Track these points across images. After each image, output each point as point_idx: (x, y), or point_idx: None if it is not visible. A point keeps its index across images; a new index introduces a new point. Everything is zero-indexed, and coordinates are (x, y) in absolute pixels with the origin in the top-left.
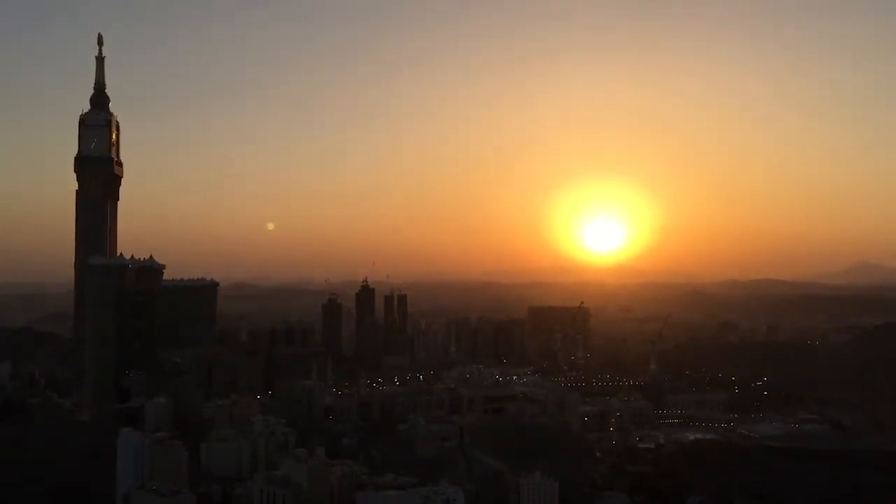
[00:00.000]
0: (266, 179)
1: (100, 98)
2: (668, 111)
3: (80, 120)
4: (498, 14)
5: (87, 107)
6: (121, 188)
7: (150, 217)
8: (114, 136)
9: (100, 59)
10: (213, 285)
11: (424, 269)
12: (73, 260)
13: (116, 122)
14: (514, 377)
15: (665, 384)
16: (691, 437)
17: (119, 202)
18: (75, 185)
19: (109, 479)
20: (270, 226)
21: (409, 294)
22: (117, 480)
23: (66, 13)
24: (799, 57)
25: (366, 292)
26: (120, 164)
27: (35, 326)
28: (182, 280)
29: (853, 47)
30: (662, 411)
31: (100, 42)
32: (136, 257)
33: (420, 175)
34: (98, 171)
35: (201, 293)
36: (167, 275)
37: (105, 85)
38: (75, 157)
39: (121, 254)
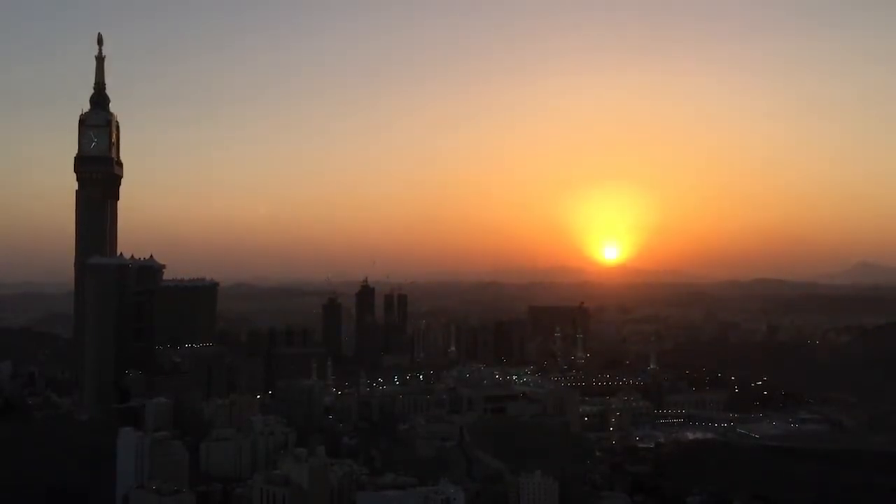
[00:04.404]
0: (266, 180)
1: (100, 98)
2: (668, 111)
3: (80, 120)
4: (498, 14)
5: (87, 107)
6: (121, 188)
7: (150, 217)
8: (114, 136)
9: (100, 59)
10: (213, 285)
11: (424, 269)
12: (73, 260)
13: (116, 122)
14: (514, 377)
15: (665, 384)
16: (691, 437)
17: (119, 202)
18: (75, 185)
19: (109, 479)
20: (262, 210)
21: (409, 294)
22: (117, 480)
23: (66, 13)
24: (799, 57)
25: (366, 292)
26: (120, 164)
27: (35, 326)
28: (182, 280)
29: (853, 48)
30: (662, 411)
31: (100, 42)
32: (136, 257)
33: (420, 175)
34: (98, 171)
35: (201, 293)
36: (167, 275)
37: (105, 85)
38: (75, 157)
39: (121, 254)
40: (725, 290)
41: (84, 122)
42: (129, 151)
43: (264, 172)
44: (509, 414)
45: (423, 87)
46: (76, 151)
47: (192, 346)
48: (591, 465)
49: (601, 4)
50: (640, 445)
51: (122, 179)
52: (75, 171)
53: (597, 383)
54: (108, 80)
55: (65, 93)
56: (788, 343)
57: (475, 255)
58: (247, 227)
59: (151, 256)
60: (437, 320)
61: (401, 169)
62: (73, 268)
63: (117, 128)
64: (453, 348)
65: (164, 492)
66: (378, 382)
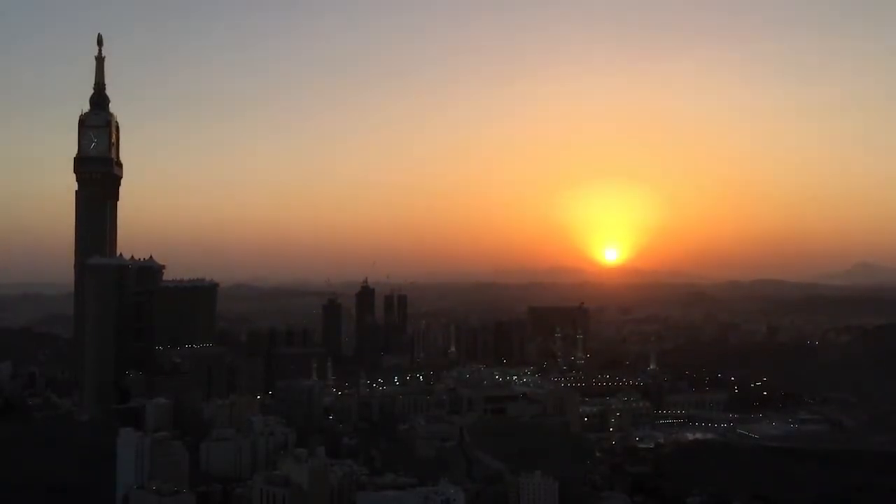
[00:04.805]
0: (266, 179)
1: (100, 98)
2: (668, 111)
3: (80, 120)
4: (497, 14)
5: (87, 107)
6: (121, 188)
7: (150, 217)
8: (114, 137)
9: (100, 60)
10: (213, 285)
11: (424, 269)
12: (73, 260)
13: (116, 122)
14: (514, 377)
15: (665, 384)
16: (691, 437)
17: (119, 202)
18: (75, 185)
19: (109, 479)
20: (263, 210)
21: (409, 294)
22: (117, 480)
23: (66, 13)
24: (798, 58)
25: (366, 292)
26: (120, 165)
27: (35, 327)
28: (182, 280)
29: (853, 49)
30: (662, 411)
31: (100, 42)
32: (136, 257)
33: (420, 175)
34: (98, 171)
35: (201, 293)
36: (167, 275)
37: (105, 85)
38: (75, 157)
39: (121, 254)
40: (725, 290)
41: (84, 122)
42: (129, 151)
43: (264, 172)
44: (509, 414)
45: (423, 87)
46: (76, 152)
47: (192, 346)
48: (591, 466)
49: (602, 3)
50: (640, 446)
51: (122, 179)
52: (75, 171)
53: (597, 384)
54: (107, 81)
55: (65, 93)
56: (788, 343)
57: (475, 255)
58: (247, 227)
59: (151, 257)
60: (437, 321)
61: (401, 169)
62: (73, 268)
63: (117, 128)
64: (453, 349)
65: (164, 492)
66: (378, 383)
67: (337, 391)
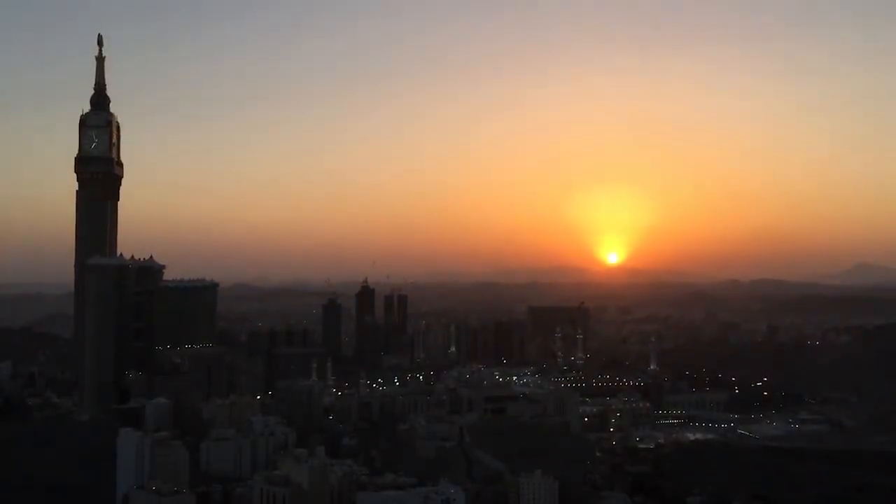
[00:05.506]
0: (266, 179)
1: (100, 98)
2: (667, 111)
3: (80, 120)
4: (499, 16)
5: (87, 107)
6: (121, 188)
7: (150, 217)
8: (114, 137)
9: (100, 60)
10: (213, 285)
11: (424, 269)
12: (73, 260)
13: (117, 122)
14: (514, 377)
15: (665, 384)
16: (691, 437)
17: (119, 202)
18: (75, 185)
19: (109, 479)
20: (263, 210)
21: (409, 294)
22: (117, 480)
23: (66, 13)
24: (798, 58)
25: (366, 292)
26: (120, 165)
27: (35, 326)
28: (182, 280)
29: (852, 48)
30: (662, 411)
31: (100, 42)
32: (136, 257)
33: (421, 175)
34: (98, 171)
35: (201, 293)
36: (167, 275)
37: (105, 85)
38: (75, 158)
39: (121, 254)
40: (725, 290)
41: (84, 122)
42: (129, 151)
43: (264, 172)
44: (509, 414)
45: (424, 88)
46: (76, 152)
47: (192, 346)
48: (591, 466)
49: (603, 5)
50: (641, 446)
51: (122, 179)
52: (75, 171)
53: (597, 384)
54: (107, 81)
55: (65, 93)
56: (788, 343)
57: (475, 255)
58: (247, 227)
59: (151, 256)
60: (437, 321)
61: (401, 169)
62: (73, 268)
63: (118, 128)
64: (453, 349)
65: (164, 492)
66: (378, 383)
67: (337, 391)
